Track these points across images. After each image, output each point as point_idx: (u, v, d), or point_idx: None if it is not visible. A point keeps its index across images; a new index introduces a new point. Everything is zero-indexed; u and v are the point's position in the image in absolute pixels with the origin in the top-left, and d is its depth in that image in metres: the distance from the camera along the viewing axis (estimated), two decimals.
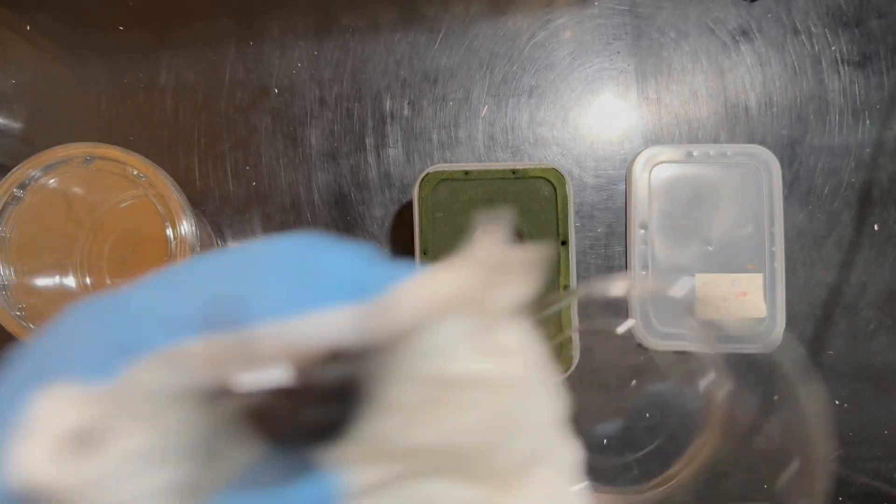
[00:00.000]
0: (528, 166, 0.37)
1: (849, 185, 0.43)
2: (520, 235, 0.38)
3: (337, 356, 0.13)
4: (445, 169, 0.37)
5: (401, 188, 0.43)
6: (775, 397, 0.42)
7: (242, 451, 0.14)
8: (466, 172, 0.37)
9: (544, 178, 0.37)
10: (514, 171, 0.37)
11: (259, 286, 0.14)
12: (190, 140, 0.43)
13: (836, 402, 0.42)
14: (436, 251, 0.38)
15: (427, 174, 0.37)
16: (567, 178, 0.37)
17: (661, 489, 0.36)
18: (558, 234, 0.38)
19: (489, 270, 0.14)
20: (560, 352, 0.38)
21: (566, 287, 0.38)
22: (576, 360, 0.37)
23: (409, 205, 0.38)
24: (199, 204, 0.43)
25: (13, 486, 0.12)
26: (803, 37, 0.43)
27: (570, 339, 0.37)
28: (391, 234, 0.43)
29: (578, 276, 0.42)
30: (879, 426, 0.42)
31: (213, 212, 0.43)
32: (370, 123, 0.43)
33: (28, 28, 0.43)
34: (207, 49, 0.43)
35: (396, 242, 0.43)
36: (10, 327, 0.34)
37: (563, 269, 0.38)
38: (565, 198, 0.37)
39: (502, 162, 0.38)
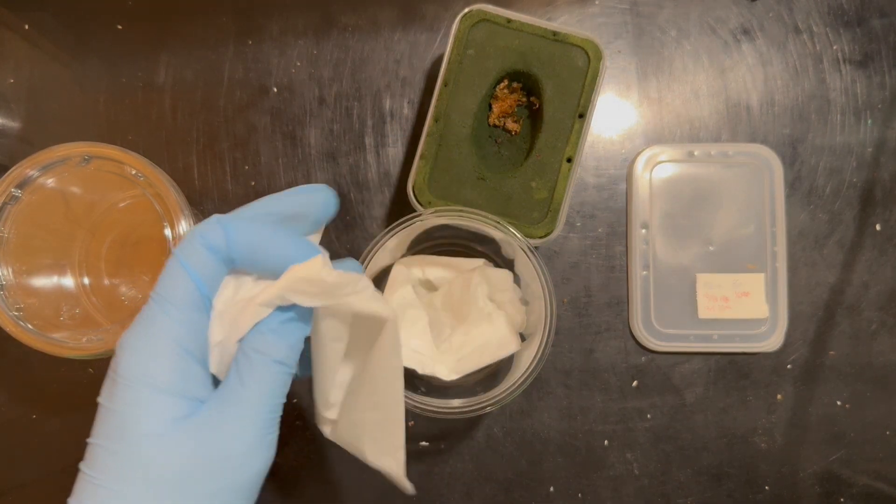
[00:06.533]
0: (569, 31, 0.37)
1: (850, 185, 0.42)
2: (538, 99, 0.38)
3: None
4: (489, 10, 0.37)
5: (400, 188, 0.42)
6: (778, 396, 0.42)
7: None
8: (509, 20, 0.37)
9: (581, 48, 0.37)
10: (554, 33, 0.37)
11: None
12: (189, 139, 0.42)
13: (838, 403, 0.42)
14: (456, 85, 0.37)
15: (470, 10, 0.37)
16: (604, 53, 0.37)
17: None
18: (579, 105, 0.37)
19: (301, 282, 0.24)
20: (545, 216, 0.37)
21: (569, 160, 0.37)
22: (557, 230, 0.37)
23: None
24: (197, 204, 0.42)
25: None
26: (805, 36, 0.43)
27: (557, 208, 0.37)
28: None
29: (579, 276, 0.42)
30: (881, 427, 0.42)
31: (211, 211, 0.42)
32: (370, 123, 0.43)
33: (26, 27, 0.43)
34: (206, 48, 0.43)
35: None
36: (8, 327, 0.34)
37: (573, 141, 0.37)
38: (596, 72, 0.37)
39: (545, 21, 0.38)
